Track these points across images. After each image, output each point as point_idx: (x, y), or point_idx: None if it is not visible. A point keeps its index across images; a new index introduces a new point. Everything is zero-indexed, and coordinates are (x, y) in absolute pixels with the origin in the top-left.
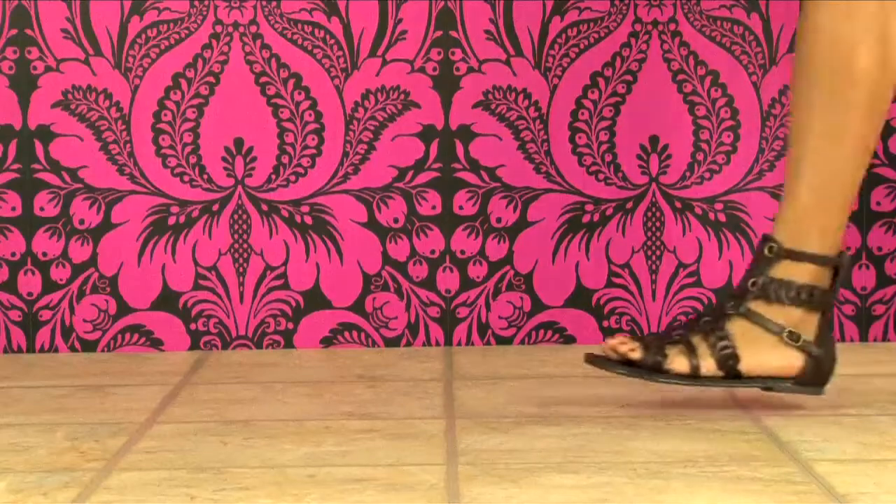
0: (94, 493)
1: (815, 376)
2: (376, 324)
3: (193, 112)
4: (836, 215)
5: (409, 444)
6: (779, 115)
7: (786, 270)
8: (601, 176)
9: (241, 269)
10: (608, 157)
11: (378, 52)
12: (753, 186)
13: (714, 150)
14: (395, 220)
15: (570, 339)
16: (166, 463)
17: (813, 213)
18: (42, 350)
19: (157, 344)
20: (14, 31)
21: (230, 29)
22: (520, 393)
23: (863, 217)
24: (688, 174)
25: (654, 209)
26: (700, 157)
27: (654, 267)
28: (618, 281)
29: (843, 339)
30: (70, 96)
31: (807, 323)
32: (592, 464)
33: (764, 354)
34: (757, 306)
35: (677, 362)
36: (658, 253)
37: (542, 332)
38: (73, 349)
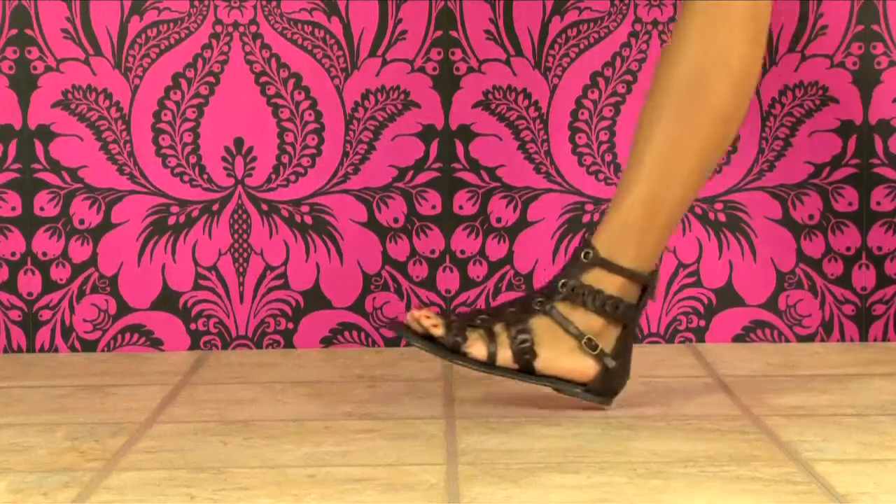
0: (94, 493)
1: (604, 387)
2: (376, 324)
3: (193, 112)
4: (656, 234)
5: (409, 444)
6: (779, 115)
7: (596, 278)
8: (601, 176)
9: (241, 269)
10: (608, 157)
11: (378, 52)
12: (753, 186)
13: None
14: (395, 220)
15: None
16: (166, 463)
17: (634, 228)
18: (42, 350)
19: (157, 344)
20: (14, 31)
21: (230, 29)
22: (520, 393)
23: (863, 217)
24: None
25: None
26: None
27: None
28: None
29: (843, 339)
30: (70, 96)
31: (607, 333)
32: (592, 464)
33: (560, 356)
34: (563, 308)
35: (475, 347)
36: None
37: None
38: (73, 349)
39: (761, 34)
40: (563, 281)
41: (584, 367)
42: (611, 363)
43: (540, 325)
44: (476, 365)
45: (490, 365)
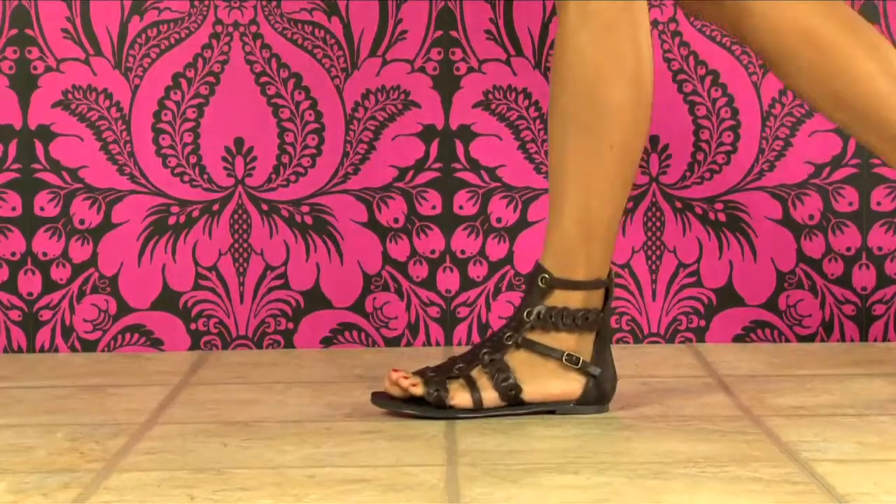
0: (95, 494)
1: (596, 395)
2: (376, 324)
3: (193, 112)
4: (600, 244)
5: (410, 445)
6: (779, 115)
7: (560, 299)
8: None
9: (241, 269)
10: None
11: (378, 52)
12: (753, 186)
13: (714, 150)
14: (395, 220)
15: None
16: (166, 463)
17: (578, 244)
18: (42, 350)
19: (157, 344)
20: (14, 31)
21: (230, 29)
22: None
23: (863, 217)
24: (688, 174)
25: (654, 209)
26: (700, 157)
27: (654, 267)
28: (618, 281)
29: (843, 339)
30: (70, 96)
31: (584, 344)
32: (592, 464)
33: (545, 382)
34: (534, 336)
35: (459, 397)
36: (658, 253)
37: None
38: (73, 349)
39: (638, 31)
40: (527, 310)
41: (571, 384)
42: (595, 371)
43: (516, 359)
44: (465, 414)
45: (478, 410)
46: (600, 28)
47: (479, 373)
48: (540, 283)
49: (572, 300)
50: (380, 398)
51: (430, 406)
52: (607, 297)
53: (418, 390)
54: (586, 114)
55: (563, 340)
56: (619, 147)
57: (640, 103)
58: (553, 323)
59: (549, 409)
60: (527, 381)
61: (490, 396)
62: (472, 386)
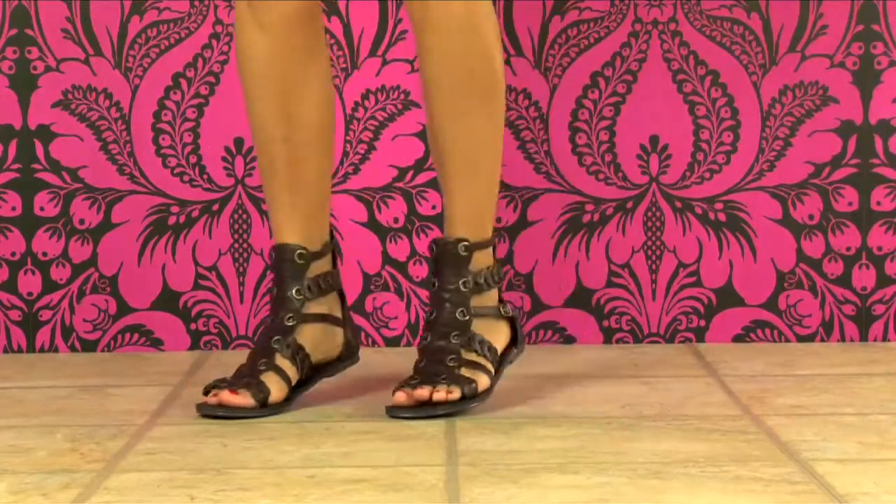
0: (95, 494)
1: (519, 335)
2: (376, 324)
3: (193, 112)
4: (496, 200)
5: (410, 445)
6: (779, 115)
7: (480, 261)
8: (601, 176)
9: (241, 269)
10: (608, 157)
11: (378, 52)
12: (753, 186)
13: (714, 150)
14: (395, 220)
15: (570, 339)
16: (166, 464)
17: (487, 206)
18: (42, 350)
19: (157, 344)
20: (14, 31)
21: (230, 29)
22: (520, 393)
23: (863, 217)
24: (688, 174)
25: (654, 209)
26: (700, 157)
27: (654, 267)
28: (618, 281)
29: (843, 339)
30: (70, 96)
31: (498, 294)
32: (592, 464)
33: (496, 336)
34: (475, 301)
35: (482, 381)
36: (658, 253)
37: (542, 332)
38: (73, 349)
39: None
40: (463, 281)
41: (505, 330)
42: (515, 312)
43: (478, 328)
44: (490, 393)
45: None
46: (497, 29)
47: (469, 353)
48: (462, 252)
49: (487, 258)
50: (395, 410)
51: (467, 400)
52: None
53: (456, 395)
54: (487, 83)
55: (493, 295)
56: (501, 110)
57: (500, 80)
58: (487, 284)
59: (512, 360)
60: (496, 342)
61: (490, 368)
62: (479, 367)
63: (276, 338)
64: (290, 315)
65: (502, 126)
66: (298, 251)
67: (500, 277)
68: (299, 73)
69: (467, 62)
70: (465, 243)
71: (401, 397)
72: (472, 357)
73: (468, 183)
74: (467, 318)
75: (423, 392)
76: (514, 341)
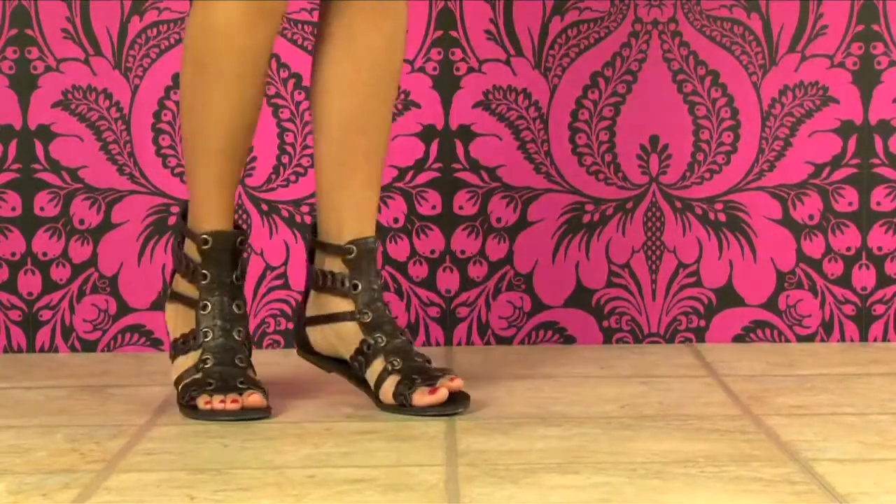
0: (94, 495)
1: None
2: None
3: None
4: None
5: (410, 445)
6: (779, 115)
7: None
8: (601, 176)
9: None
10: (608, 157)
11: None
12: (753, 186)
13: (714, 150)
14: (395, 220)
15: (570, 339)
16: (166, 464)
17: (376, 200)
18: (42, 350)
19: (157, 344)
20: (14, 31)
21: None
22: (520, 393)
23: (863, 217)
24: (688, 174)
25: (654, 209)
26: (700, 157)
27: (654, 267)
28: (618, 281)
29: (843, 339)
30: (70, 96)
31: None
32: (592, 464)
33: None
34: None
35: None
36: (658, 253)
37: (542, 332)
38: (73, 349)
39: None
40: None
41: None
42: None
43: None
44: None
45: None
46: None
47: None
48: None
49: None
50: (428, 409)
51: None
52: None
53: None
54: (389, 87)
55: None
56: (391, 101)
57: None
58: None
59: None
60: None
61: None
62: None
63: (238, 328)
64: (239, 302)
65: (389, 113)
66: (240, 237)
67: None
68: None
69: (389, 61)
70: (375, 239)
71: (427, 398)
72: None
73: (368, 185)
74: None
75: (452, 384)
76: None
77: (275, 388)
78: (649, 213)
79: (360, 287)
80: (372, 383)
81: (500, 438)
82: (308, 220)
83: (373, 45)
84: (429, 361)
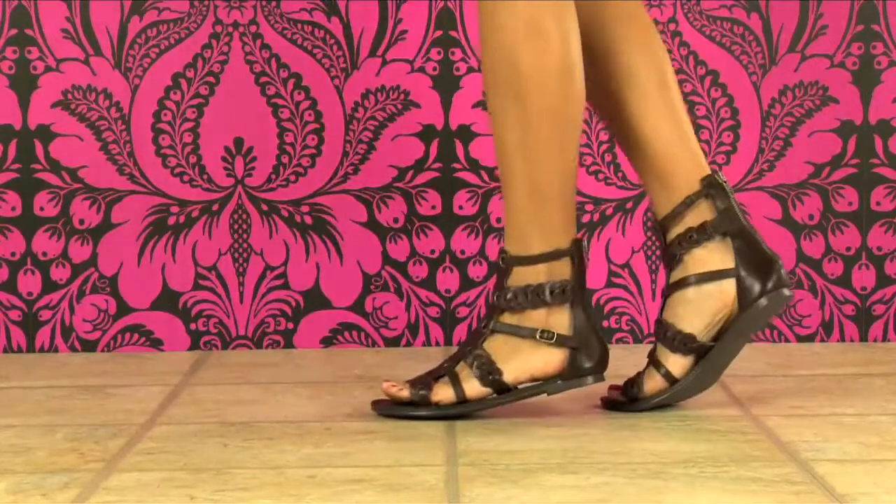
0: (94, 494)
1: (579, 367)
2: (376, 324)
3: (193, 112)
4: (555, 214)
5: (409, 445)
6: (779, 115)
7: (520, 277)
8: (601, 176)
9: (241, 269)
10: (608, 157)
11: (378, 52)
12: (753, 186)
13: (714, 150)
14: (395, 220)
15: None
16: (166, 464)
17: (531, 218)
18: (42, 350)
19: (157, 344)
20: (14, 31)
21: (230, 29)
22: None
23: (863, 217)
24: None
25: None
26: None
27: (654, 267)
28: (618, 281)
29: (843, 339)
30: (70, 96)
31: (558, 318)
32: (592, 464)
33: (524, 361)
34: (506, 318)
35: (442, 393)
36: (658, 253)
37: None
38: (73, 349)
39: (534, 20)
40: (496, 295)
41: (550, 359)
42: (573, 343)
43: (493, 344)
44: (453, 408)
45: (463, 402)
46: (526, 26)
47: (462, 366)
48: (501, 265)
49: (532, 275)
50: (380, 406)
51: (413, 405)
52: (577, 266)
53: (404, 394)
54: (508, 87)
55: (534, 317)
56: (545, 113)
57: (547, 67)
58: (518, 302)
59: (538, 391)
60: (505, 363)
61: (472, 386)
62: (454, 380)
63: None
64: (485, 322)
65: (545, 135)
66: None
67: (542, 298)
68: None
69: (488, 57)
70: (504, 255)
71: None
72: (459, 369)
73: (506, 192)
74: (485, 330)
75: (385, 384)
76: (569, 370)
77: (274, 388)
78: (649, 213)
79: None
80: None
81: (500, 438)
82: (308, 220)
83: None
84: (439, 375)
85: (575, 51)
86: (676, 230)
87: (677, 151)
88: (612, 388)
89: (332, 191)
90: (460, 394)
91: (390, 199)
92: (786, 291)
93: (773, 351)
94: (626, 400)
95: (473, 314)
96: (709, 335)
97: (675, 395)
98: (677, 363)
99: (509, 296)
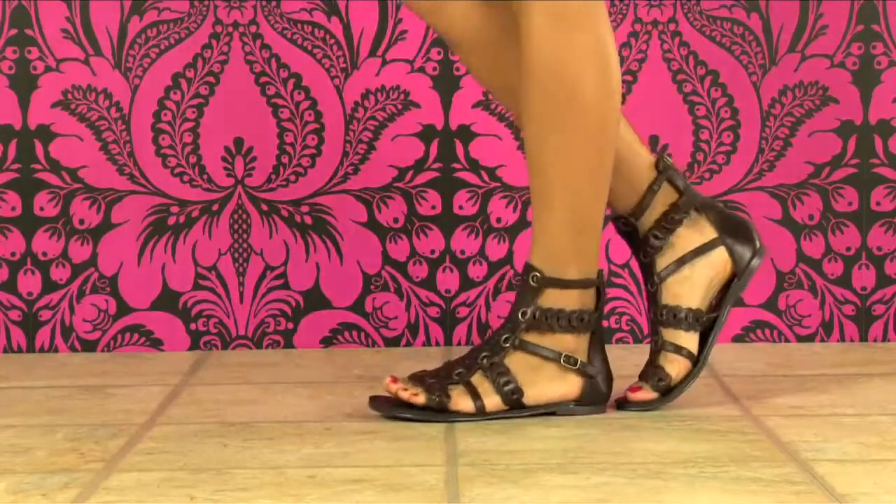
0: (94, 494)
1: (595, 395)
2: (376, 324)
3: (193, 112)
4: (590, 240)
5: (409, 445)
6: (779, 115)
7: (553, 298)
8: None
9: (241, 269)
10: None
11: (378, 52)
12: (753, 186)
13: (714, 150)
14: (395, 220)
15: None
16: (166, 464)
17: (567, 243)
18: (42, 350)
19: (157, 344)
20: (14, 31)
21: (230, 29)
22: None
23: (863, 217)
24: (687, 174)
25: None
26: (700, 157)
27: None
28: (618, 281)
29: (843, 339)
30: (70, 96)
31: (580, 344)
32: (592, 464)
33: (546, 384)
34: (530, 336)
35: (462, 403)
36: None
37: None
38: (73, 349)
39: (600, 25)
40: (522, 310)
41: (570, 385)
42: (593, 371)
43: (515, 362)
44: (465, 417)
45: (481, 414)
46: (567, 27)
47: (480, 378)
48: (531, 283)
49: (565, 300)
50: (378, 403)
51: (431, 411)
52: (599, 296)
53: (420, 399)
54: (564, 113)
55: (560, 341)
56: (599, 142)
57: (612, 97)
58: (548, 324)
59: (550, 410)
60: (528, 385)
61: (493, 402)
62: (473, 393)
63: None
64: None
65: (594, 166)
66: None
67: (572, 325)
68: None
69: (539, 80)
70: (537, 275)
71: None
72: (478, 381)
73: (542, 212)
74: (507, 345)
75: (393, 386)
76: (590, 398)
77: (274, 388)
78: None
79: (514, 304)
80: None
81: (500, 438)
82: (308, 220)
83: None
84: (455, 382)
85: (619, 78)
86: (651, 218)
87: (631, 140)
88: (631, 389)
89: (332, 191)
90: (480, 407)
91: (390, 199)
92: (764, 246)
93: (773, 351)
94: (658, 395)
95: (473, 314)
96: (706, 304)
97: (698, 371)
98: (693, 340)
99: (541, 315)
